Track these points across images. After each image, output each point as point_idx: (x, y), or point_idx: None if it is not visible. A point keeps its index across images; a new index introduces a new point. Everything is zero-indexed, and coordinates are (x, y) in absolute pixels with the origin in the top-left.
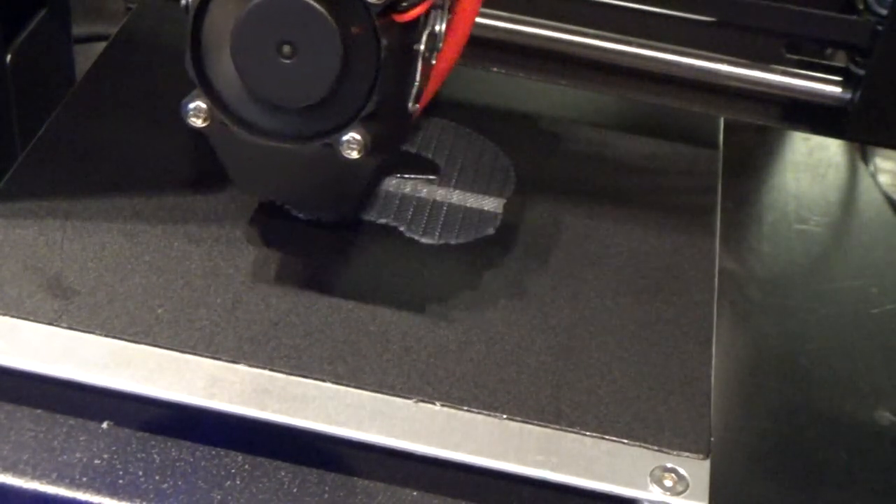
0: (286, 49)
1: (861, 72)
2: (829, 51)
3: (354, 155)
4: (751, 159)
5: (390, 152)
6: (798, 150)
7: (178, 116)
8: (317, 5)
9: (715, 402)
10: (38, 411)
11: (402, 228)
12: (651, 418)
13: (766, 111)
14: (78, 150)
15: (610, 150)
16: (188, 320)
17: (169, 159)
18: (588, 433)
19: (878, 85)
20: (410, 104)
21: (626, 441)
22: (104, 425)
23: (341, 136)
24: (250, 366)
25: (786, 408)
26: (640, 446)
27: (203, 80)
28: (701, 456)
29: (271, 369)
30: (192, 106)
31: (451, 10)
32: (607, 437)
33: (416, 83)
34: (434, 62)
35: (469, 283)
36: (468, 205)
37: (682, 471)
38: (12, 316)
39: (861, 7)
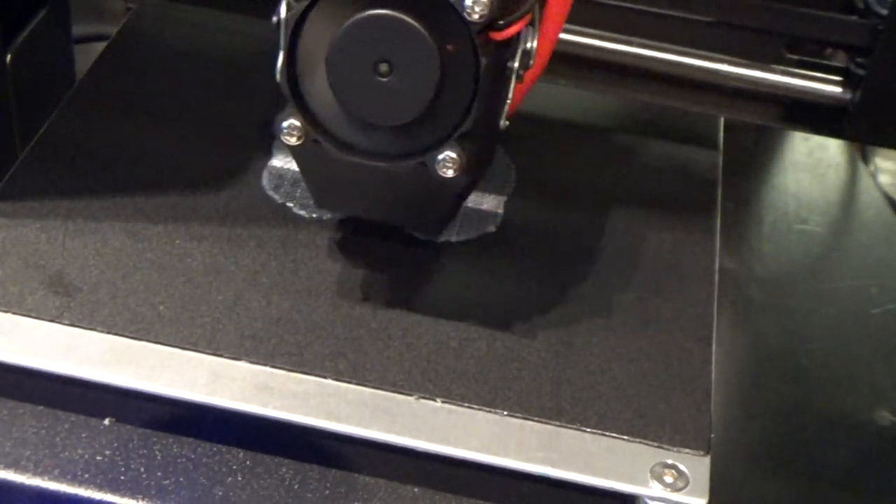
0: (383, 67)
1: (861, 72)
2: (829, 51)
3: (450, 173)
4: (751, 159)
5: (480, 170)
6: (798, 150)
7: (178, 116)
8: (416, 23)
9: (715, 401)
10: (40, 408)
11: None
12: (652, 415)
13: (766, 111)
14: (78, 149)
15: (610, 150)
16: (189, 317)
17: (169, 158)
18: (589, 430)
19: (878, 85)
20: (501, 121)
21: (626, 437)
22: (106, 422)
23: (437, 154)
24: (252, 362)
25: (786, 408)
26: (640, 443)
27: (298, 97)
28: (701, 452)
29: (273, 366)
30: (286, 124)
31: (538, 28)
32: (608, 433)
33: (508, 100)
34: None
35: (470, 280)
36: (469, 203)
37: (682, 467)
38: (14, 313)
39: (861, 7)
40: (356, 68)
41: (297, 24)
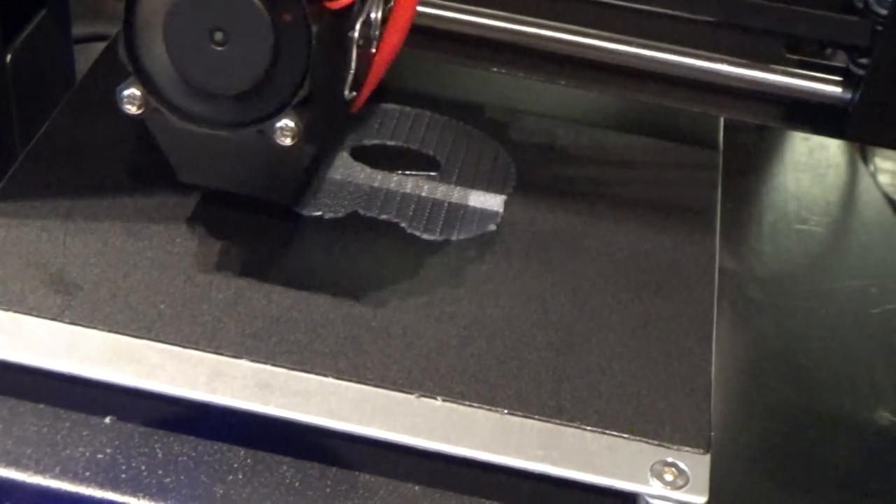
0: (218, 36)
1: (861, 72)
2: (829, 51)
3: (288, 142)
4: (751, 159)
5: (327, 139)
6: (798, 150)
7: None
8: None
9: (715, 401)
10: (41, 406)
11: (403, 225)
12: (651, 413)
13: (766, 111)
14: (78, 149)
15: (610, 150)
16: (190, 315)
17: None
18: (589, 428)
19: (878, 85)
20: (346, 92)
21: (626, 436)
22: (107, 420)
23: (274, 122)
24: (252, 361)
25: (786, 408)
26: (640, 441)
27: (137, 66)
28: (701, 451)
29: (273, 364)
30: (126, 93)
31: None
32: (608, 431)
33: (352, 71)
34: (374, 50)
35: (470, 279)
36: (469, 201)
37: (682, 465)
38: (15, 311)
39: (861, 7)
40: (192, 37)
41: None
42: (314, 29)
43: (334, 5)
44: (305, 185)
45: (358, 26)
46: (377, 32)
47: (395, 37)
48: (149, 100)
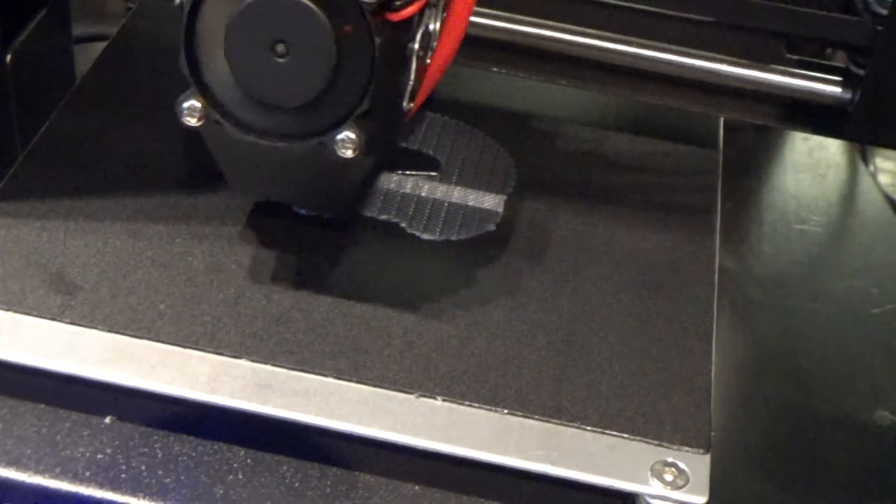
0: (280, 48)
1: (861, 72)
2: (829, 51)
3: (349, 154)
4: (751, 159)
5: (385, 150)
6: (798, 150)
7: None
8: (310, 4)
9: (715, 401)
10: (41, 406)
11: (403, 225)
12: (651, 413)
13: (766, 111)
14: (78, 149)
15: (610, 150)
16: (190, 316)
17: (170, 157)
18: (589, 428)
19: (878, 85)
20: (405, 103)
21: (626, 436)
22: (107, 420)
23: (335, 134)
24: (252, 361)
25: (786, 408)
26: (640, 441)
27: (197, 78)
28: (701, 450)
29: (273, 364)
30: (186, 105)
31: (444, 9)
32: (608, 431)
33: (411, 82)
34: (429, 61)
35: (470, 278)
36: (469, 201)
37: (682, 465)
38: (15, 311)
39: (861, 7)
40: (254, 49)
41: (196, 3)
42: (377, 41)
43: (396, 17)
44: (362, 196)
45: (418, 38)
46: (434, 43)
47: (449, 47)
48: (209, 112)
